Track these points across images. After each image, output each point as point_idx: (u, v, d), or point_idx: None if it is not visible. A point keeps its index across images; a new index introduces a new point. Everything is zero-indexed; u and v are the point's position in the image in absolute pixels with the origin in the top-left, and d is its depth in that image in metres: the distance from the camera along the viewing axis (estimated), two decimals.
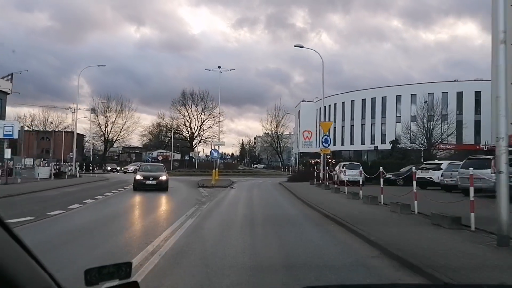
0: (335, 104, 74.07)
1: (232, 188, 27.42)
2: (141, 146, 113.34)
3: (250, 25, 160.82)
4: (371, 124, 66.72)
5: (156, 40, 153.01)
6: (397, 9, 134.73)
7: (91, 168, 57.91)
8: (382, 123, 65.21)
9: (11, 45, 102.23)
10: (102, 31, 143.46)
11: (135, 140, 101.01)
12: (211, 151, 37.59)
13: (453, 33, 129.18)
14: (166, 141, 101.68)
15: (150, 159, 64.03)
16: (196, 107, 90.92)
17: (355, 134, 68.79)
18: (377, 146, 65.12)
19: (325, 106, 79.34)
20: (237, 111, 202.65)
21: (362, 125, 68.03)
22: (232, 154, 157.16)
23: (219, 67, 45.38)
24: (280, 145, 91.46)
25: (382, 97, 65.08)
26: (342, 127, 71.82)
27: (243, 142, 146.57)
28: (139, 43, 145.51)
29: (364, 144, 67.22)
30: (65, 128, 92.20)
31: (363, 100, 67.98)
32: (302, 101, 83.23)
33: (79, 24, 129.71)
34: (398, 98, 63.30)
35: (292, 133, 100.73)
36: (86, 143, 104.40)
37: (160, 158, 71.72)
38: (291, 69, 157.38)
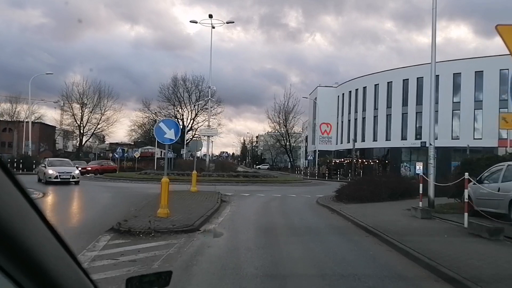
0: (364, 88, 57.23)
1: (216, 235, 9.47)
2: (132, 143, 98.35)
3: (244, 24, 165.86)
4: (416, 113, 49.88)
5: (150, 39, 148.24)
6: (389, 11, 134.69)
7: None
8: (435, 111, 48.35)
9: (5, 42, 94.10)
10: (96, 30, 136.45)
11: (122, 135, 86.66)
12: (190, 141, 21.06)
13: (447, 36, 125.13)
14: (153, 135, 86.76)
15: (117, 156, 47.53)
16: (189, 96, 75.24)
17: (394, 126, 51.95)
18: (424, 142, 48.23)
19: (349, 92, 62.89)
20: (235, 111, 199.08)
21: (403, 114, 51.19)
22: (233, 153, 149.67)
23: (210, 16, 28.90)
24: (290, 141, 74.83)
25: (436, 76, 48.18)
26: (375, 117, 54.98)
27: (244, 141, 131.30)
28: (134, 42, 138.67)
29: (405, 139, 50.38)
30: (37, 119, 76.28)
31: (405, 82, 51.17)
32: (319, 86, 66.52)
33: (73, 22, 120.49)
34: (456, 77, 46.49)
35: (306, 127, 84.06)
36: (58, 136, 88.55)
37: (136, 155, 55.58)
38: (287, 70, 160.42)
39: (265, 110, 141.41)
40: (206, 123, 75.72)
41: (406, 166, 50.33)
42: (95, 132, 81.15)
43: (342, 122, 62.28)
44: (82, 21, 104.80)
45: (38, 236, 0.89)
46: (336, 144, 63.78)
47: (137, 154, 55.98)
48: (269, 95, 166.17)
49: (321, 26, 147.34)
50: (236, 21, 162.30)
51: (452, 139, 46.38)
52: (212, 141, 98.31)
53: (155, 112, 76.25)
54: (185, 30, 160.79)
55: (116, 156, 47.63)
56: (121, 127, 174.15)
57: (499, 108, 43.48)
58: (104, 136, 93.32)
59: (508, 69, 41.02)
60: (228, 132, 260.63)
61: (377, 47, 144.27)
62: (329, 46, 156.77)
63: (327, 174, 48.32)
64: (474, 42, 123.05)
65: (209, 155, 34.82)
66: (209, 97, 33.82)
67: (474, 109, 45.17)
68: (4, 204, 0.75)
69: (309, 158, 52.95)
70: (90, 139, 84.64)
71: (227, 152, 48.79)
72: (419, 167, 49.80)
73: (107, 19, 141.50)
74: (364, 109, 56.85)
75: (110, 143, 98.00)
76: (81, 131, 76.41)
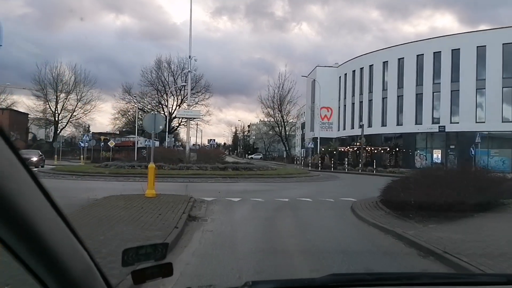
0: (370, 66, 50.30)
1: None
2: (117, 132, 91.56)
3: (230, 13, 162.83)
4: (433, 94, 43.14)
5: (136, 29, 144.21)
6: (374, 0, 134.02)
7: None
8: (452, 91, 41.68)
9: None
10: (80, 20, 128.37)
11: (105, 124, 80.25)
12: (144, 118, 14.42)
13: (432, 25, 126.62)
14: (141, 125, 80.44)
15: (82, 145, 40.25)
16: (175, 80, 68.53)
17: (406, 109, 45.18)
18: (444, 126, 41.69)
19: (353, 71, 55.88)
20: (225, 101, 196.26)
21: (417, 95, 44.40)
22: (224, 143, 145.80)
23: None
24: (285, 128, 67.99)
25: (453, 50, 41.44)
26: (384, 99, 48.16)
27: (236, 130, 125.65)
28: (119, 32, 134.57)
29: (420, 123, 43.67)
30: (9, 106, 68.72)
31: (419, 58, 44.31)
32: (318, 66, 59.41)
33: (57, 12, 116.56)
34: (481, 52, 39.71)
35: (302, 114, 77.24)
36: (31, 124, 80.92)
37: (111, 144, 48.55)
38: (275, 59, 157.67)
39: (257, 95, 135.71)
40: (194, 108, 69.44)
41: (422, 154, 43.76)
42: (71, 120, 74.07)
43: (345, 106, 55.37)
44: (73, 11, 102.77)
45: (36, 206, 0.88)
46: (338, 130, 56.94)
47: (112, 143, 48.76)
48: (258, 84, 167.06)
49: (307, 16, 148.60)
50: (223, 10, 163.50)
51: (476, 122, 39.79)
52: (202, 130, 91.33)
53: (135, 97, 69.07)
54: (171, 19, 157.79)
55: (81, 145, 40.38)
56: (106, 116, 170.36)
57: None
58: (89, 126, 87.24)
59: None
60: (219, 122, 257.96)
61: (364, 37, 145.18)
62: (317, 36, 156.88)
63: (320, 164, 41.80)
64: (460, 31, 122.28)
65: (189, 143, 27.74)
66: (189, 70, 26.72)
67: (503, 87, 38.54)
68: (8, 179, 0.77)
69: (309, 145, 46.17)
70: (74, 129, 77.81)
71: (214, 140, 41.54)
72: (437, 155, 43.52)
73: (91, 8, 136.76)
74: (370, 90, 49.98)
75: (93, 132, 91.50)
76: (56, 119, 69.30)
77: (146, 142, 52.25)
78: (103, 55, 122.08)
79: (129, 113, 78.63)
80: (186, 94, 69.86)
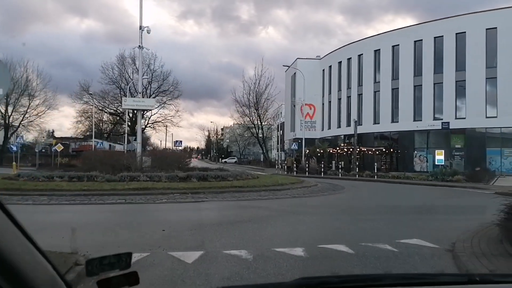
0: (359, 56, 44.29)
1: None
2: (81, 137, 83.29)
3: (196, 17, 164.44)
4: (434, 85, 37.34)
5: (101, 32, 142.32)
6: (337, 5, 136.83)
7: None
8: (457, 81, 35.99)
9: None
10: (44, 24, 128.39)
11: (66, 128, 72.83)
12: None
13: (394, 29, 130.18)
14: (107, 128, 73.24)
15: (14, 150, 32.53)
16: (144, 77, 61.05)
17: (403, 104, 39.24)
18: (448, 123, 35.98)
19: (339, 63, 49.67)
20: (196, 105, 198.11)
21: (415, 87, 38.53)
22: (197, 147, 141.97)
23: None
24: (262, 128, 61.35)
25: (457, 33, 35.77)
26: (376, 92, 42.15)
27: (209, 133, 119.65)
28: (84, 35, 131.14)
29: (419, 120, 37.82)
30: None
31: (417, 44, 38.50)
32: (298, 58, 53.00)
33: (20, 15, 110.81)
34: (491, 35, 34.17)
35: (279, 114, 70.91)
36: None
37: (59, 148, 41.03)
38: (244, 63, 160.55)
39: (232, 92, 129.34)
40: (164, 109, 61.99)
41: (421, 155, 37.93)
42: (22, 123, 65.45)
43: (330, 102, 49.19)
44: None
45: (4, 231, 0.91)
46: (322, 130, 50.70)
47: (59, 148, 41.08)
48: (228, 88, 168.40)
49: (273, 19, 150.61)
50: (188, 14, 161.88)
51: (486, 117, 34.21)
52: (172, 134, 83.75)
53: (95, 96, 61.13)
54: (137, 23, 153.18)
55: (14, 149, 32.64)
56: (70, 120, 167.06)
57: None
58: (53, 130, 79.58)
59: None
60: (191, 126, 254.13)
61: (330, 41, 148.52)
62: (283, 40, 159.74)
63: (295, 169, 35.85)
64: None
65: (140, 144, 20.57)
66: (139, 45, 19.86)
67: None
68: None
69: (292, 147, 39.68)
70: (37, 134, 69.73)
71: (181, 142, 34.63)
72: (440, 156, 37.67)
73: (55, 12, 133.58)
74: (360, 84, 43.95)
75: (54, 137, 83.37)
76: (7, 122, 60.72)
77: (99, 144, 44.74)
78: (68, 58, 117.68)
79: (90, 115, 70.52)
80: (153, 93, 63.10)
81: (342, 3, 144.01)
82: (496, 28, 33.88)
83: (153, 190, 13.82)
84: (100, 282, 1.28)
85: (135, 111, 62.74)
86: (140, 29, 20.17)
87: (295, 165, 36.95)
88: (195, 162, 79.81)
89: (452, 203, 14.27)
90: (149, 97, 61.84)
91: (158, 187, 14.35)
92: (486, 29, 34.35)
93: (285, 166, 38.36)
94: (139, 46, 20.61)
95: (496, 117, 33.74)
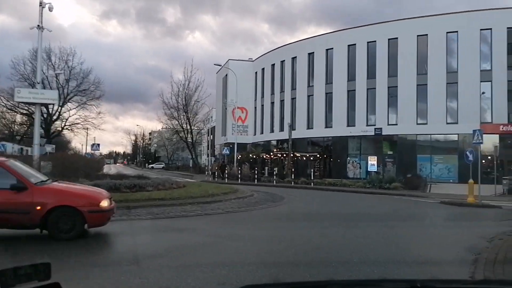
0: (293, 59, 43.00)
1: None
2: None
3: (119, 17, 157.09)
4: (367, 90, 36.82)
5: (16, 29, 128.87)
6: (263, 14, 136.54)
7: None
8: (389, 87, 35.77)
9: None
10: None
11: None
12: None
13: None
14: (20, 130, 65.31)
15: None
16: (56, 75, 55.00)
17: (337, 108, 38.37)
18: (381, 129, 35.61)
19: (272, 65, 48.05)
20: (121, 109, 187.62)
21: (349, 92, 37.83)
22: (124, 152, 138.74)
23: None
24: (192, 133, 58.05)
25: (390, 39, 35.59)
26: (309, 96, 40.99)
27: (136, 138, 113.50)
28: None
29: (353, 125, 37.13)
30: None
31: (351, 48, 37.86)
32: (230, 59, 50.69)
33: None
34: (422, 41, 34.33)
35: (210, 118, 68.22)
36: None
37: None
38: (171, 67, 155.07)
39: (159, 94, 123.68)
40: (86, 112, 56.33)
41: (355, 161, 37.25)
42: None
43: (263, 105, 47.41)
44: None
45: None
46: (255, 134, 48.75)
47: None
48: (155, 92, 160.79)
49: (200, 25, 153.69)
50: (111, 14, 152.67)
51: (417, 124, 34.27)
52: (94, 137, 77.18)
53: (1, 94, 53.89)
54: (56, 20, 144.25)
55: None
56: None
57: (480, 81, 32.49)
58: None
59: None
60: (116, 130, 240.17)
61: (257, 49, 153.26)
62: (211, 46, 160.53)
63: (218, 173, 34.10)
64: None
65: (38, 146, 16.77)
66: (38, 24, 16.12)
67: (447, 83, 33.48)
68: None
69: (224, 152, 37.08)
70: None
71: (98, 145, 30.43)
72: (373, 162, 37.12)
73: None
74: (293, 87, 42.62)
75: None
76: None
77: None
78: None
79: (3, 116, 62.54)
80: (71, 92, 57.11)
81: (267, 12, 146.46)
82: (426, 35, 34.13)
83: None
84: None
85: (51, 109, 56.69)
86: (40, 5, 16.46)
87: (220, 171, 34.65)
88: (119, 168, 74.04)
89: (414, 214, 12.50)
90: (67, 97, 56.14)
91: None
92: (417, 35, 34.52)
93: (211, 172, 36.28)
94: (38, 26, 16.86)
95: (426, 124, 33.90)
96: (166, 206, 11.88)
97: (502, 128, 30.96)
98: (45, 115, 56.05)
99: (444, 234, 8.99)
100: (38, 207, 6.93)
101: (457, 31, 33.01)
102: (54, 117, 57.88)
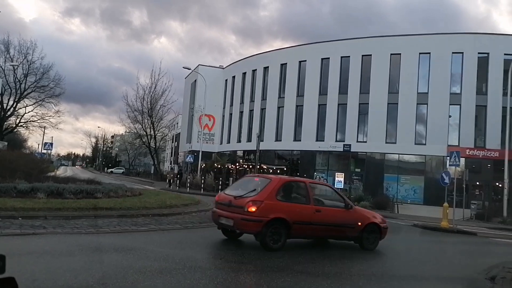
0: (265, 68, 42.05)
1: None
2: None
3: (83, 16, 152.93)
4: (338, 105, 36.24)
5: None
6: (230, 25, 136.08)
7: None
8: (360, 103, 35.29)
9: None
10: None
11: None
12: None
13: None
14: None
15: None
16: (14, 69, 51.88)
17: (306, 122, 37.57)
18: (350, 145, 34.98)
19: (243, 74, 46.89)
20: (82, 110, 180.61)
21: (320, 106, 37.14)
22: (83, 154, 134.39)
23: None
24: (155, 138, 55.79)
25: (364, 55, 35.25)
26: (279, 108, 40.01)
27: (97, 140, 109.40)
28: None
29: (322, 140, 36.38)
30: None
31: (324, 62, 37.31)
32: (200, 65, 49.17)
33: None
34: (395, 59, 34.19)
35: (175, 124, 66.14)
36: None
37: None
38: (136, 71, 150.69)
39: (123, 96, 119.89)
40: (44, 110, 53.11)
41: (322, 177, 36.39)
42: None
43: (231, 114, 46.08)
44: None
45: None
46: (221, 143, 47.24)
47: None
48: (118, 95, 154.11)
49: (167, 30, 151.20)
50: (74, 11, 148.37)
51: (386, 143, 33.88)
52: (52, 137, 73.22)
53: None
54: (17, 14, 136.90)
55: None
56: None
57: (449, 104, 32.56)
58: None
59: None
60: (76, 131, 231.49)
61: (224, 59, 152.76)
62: (177, 52, 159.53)
63: (178, 184, 32.77)
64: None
65: None
66: None
67: (417, 104, 33.37)
68: None
69: (188, 159, 35.31)
70: None
71: (51, 145, 28.07)
72: (340, 178, 36.54)
73: None
74: (264, 98, 41.59)
75: None
76: None
77: None
78: None
79: None
80: (28, 87, 53.71)
81: (234, 23, 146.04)
82: (400, 54, 34.02)
83: None
84: None
85: (5, 103, 53.09)
86: None
87: (176, 179, 33.07)
88: (76, 171, 70.15)
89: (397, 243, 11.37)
90: (23, 92, 52.94)
91: None
92: (391, 54, 34.37)
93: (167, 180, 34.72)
94: None
95: (395, 143, 33.56)
96: (114, 217, 10.18)
97: (468, 152, 30.97)
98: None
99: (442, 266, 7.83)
100: None
101: (429, 53, 33.04)
102: (8, 113, 54.36)
